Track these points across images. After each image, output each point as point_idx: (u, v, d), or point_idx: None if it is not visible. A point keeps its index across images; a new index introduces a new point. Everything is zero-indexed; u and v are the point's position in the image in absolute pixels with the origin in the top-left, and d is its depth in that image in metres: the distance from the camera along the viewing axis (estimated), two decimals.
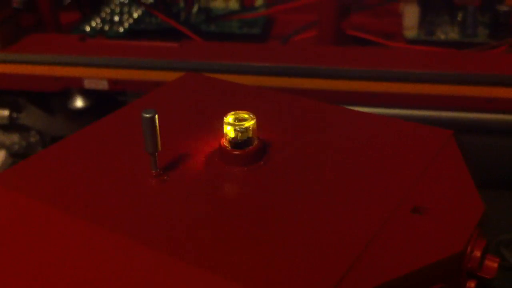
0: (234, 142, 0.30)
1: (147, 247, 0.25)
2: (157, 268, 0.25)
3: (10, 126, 0.57)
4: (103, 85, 0.54)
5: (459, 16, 0.59)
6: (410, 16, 0.58)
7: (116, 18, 0.65)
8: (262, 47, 0.57)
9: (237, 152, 0.30)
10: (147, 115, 0.28)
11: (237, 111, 0.31)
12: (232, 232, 0.26)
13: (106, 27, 0.63)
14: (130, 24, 0.64)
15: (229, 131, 0.30)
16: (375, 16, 0.64)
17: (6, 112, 0.56)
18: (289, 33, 0.60)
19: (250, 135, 0.30)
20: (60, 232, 0.28)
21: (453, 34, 0.58)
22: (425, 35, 0.58)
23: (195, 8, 0.63)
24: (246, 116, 0.30)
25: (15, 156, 0.57)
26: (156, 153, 0.29)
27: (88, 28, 0.63)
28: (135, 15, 0.65)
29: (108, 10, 0.67)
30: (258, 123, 0.31)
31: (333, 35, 0.56)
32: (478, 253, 0.27)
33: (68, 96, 0.56)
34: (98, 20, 0.65)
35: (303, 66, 0.52)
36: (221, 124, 0.31)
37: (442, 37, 0.58)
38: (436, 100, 0.51)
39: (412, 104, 0.51)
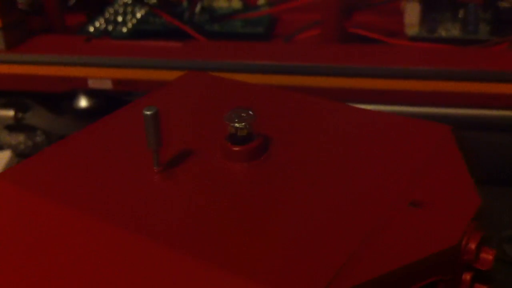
0: (234, 138, 0.31)
1: (151, 241, 0.26)
2: (161, 262, 0.25)
3: (16, 126, 0.58)
4: (107, 85, 0.55)
5: (461, 13, 0.59)
6: (412, 13, 0.58)
7: (120, 19, 0.65)
8: (265, 46, 0.58)
9: (237, 148, 0.31)
10: (149, 112, 0.29)
11: (238, 108, 0.31)
12: (233, 226, 0.27)
13: (110, 28, 0.64)
14: (133, 24, 0.64)
15: (229, 127, 0.31)
16: (377, 14, 0.64)
17: (11, 112, 0.56)
18: (292, 32, 0.60)
19: (250, 131, 0.31)
20: (65, 227, 0.28)
21: (454, 31, 0.58)
22: (427, 32, 0.58)
23: (198, 8, 0.63)
24: (246, 112, 0.31)
25: (20, 156, 0.57)
26: (158, 150, 0.30)
27: (92, 29, 0.63)
28: (139, 15, 0.65)
29: (111, 10, 0.67)
30: (260, 120, 0.31)
31: (336, 33, 0.57)
32: (473, 246, 0.27)
33: (74, 96, 0.56)
34: (102, 21, 0.65)
35: (306, 64, 0.52)
36: (222, 121, 0.31)
37: (444, 34, 0.58)
38: (438, 96, 0.51)
39: (414, 101, 0.51)
